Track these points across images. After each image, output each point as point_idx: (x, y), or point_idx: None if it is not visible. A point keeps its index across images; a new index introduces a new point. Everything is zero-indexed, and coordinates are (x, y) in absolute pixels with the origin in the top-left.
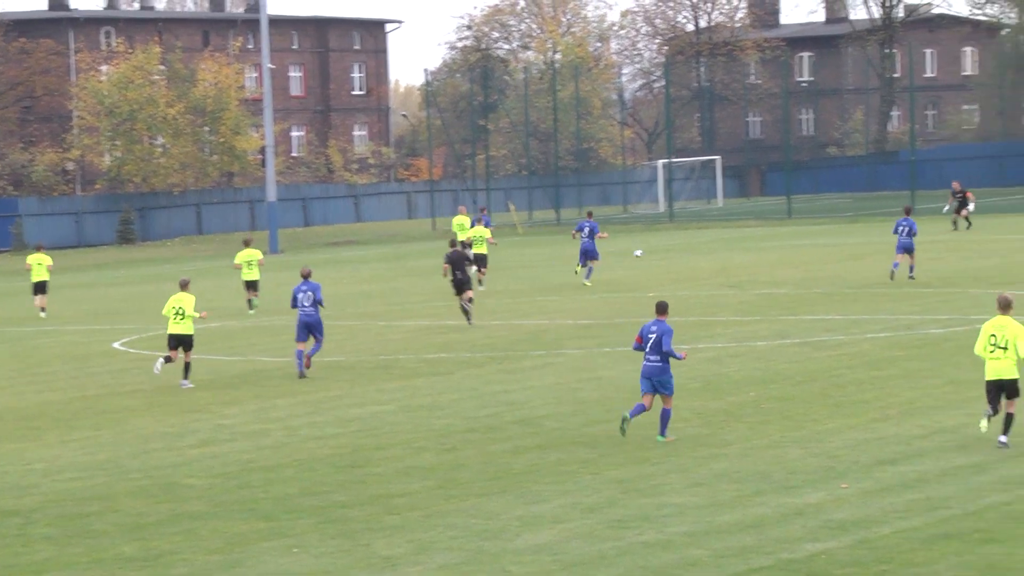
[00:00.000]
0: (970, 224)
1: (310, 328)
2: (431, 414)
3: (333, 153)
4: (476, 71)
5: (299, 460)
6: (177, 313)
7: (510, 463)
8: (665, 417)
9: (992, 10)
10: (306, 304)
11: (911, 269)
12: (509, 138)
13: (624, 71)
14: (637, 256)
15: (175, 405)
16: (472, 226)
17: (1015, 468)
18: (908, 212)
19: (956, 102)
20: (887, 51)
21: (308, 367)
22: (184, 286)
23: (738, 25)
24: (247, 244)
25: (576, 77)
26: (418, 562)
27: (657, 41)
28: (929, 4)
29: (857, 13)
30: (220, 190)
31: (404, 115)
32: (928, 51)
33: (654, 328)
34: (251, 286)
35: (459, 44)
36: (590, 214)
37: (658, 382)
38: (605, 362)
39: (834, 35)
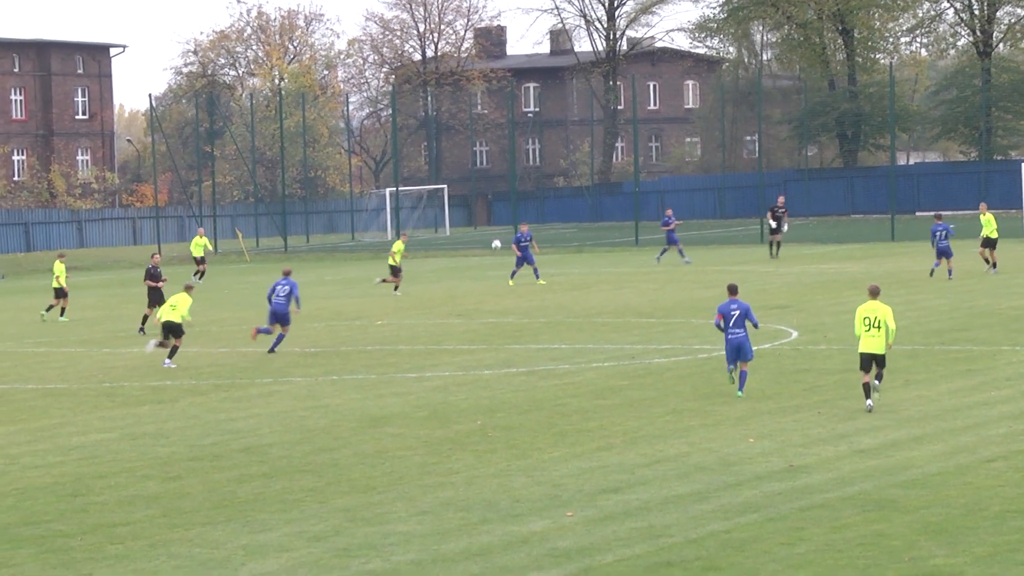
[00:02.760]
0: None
1: (278, 317)
2: (155, 442)
3: (56, 178)
4: (202, 97)
5: (19, 489)
6: (172, 307)
7: (235, 491)
8: (743, 377)
9: (712, 44)
10: (281, 295)
11: (950, 272)
12: (235, 165)
13: (351, 99)
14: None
15: None
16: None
17: (735, 496)
18: (939, 217)
19: (678, 135)
20: (611, 84)
21: (272, 351)
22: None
23: (465, 55)
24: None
25: (303, 105)
26: None
27: (384, 70)
28: (651, 38)
29: (581, 46)
30: None
31: (129, 140)
32: (651, 84)
33: (734, 307)
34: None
35: (184, 70)
36: (524, 226)
37: (742, 350)
38: (331, 390)
39: (559, 67)
